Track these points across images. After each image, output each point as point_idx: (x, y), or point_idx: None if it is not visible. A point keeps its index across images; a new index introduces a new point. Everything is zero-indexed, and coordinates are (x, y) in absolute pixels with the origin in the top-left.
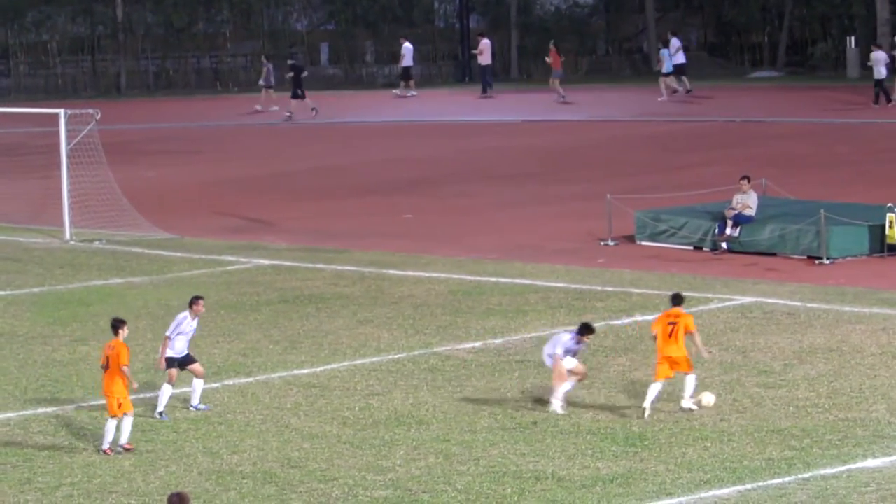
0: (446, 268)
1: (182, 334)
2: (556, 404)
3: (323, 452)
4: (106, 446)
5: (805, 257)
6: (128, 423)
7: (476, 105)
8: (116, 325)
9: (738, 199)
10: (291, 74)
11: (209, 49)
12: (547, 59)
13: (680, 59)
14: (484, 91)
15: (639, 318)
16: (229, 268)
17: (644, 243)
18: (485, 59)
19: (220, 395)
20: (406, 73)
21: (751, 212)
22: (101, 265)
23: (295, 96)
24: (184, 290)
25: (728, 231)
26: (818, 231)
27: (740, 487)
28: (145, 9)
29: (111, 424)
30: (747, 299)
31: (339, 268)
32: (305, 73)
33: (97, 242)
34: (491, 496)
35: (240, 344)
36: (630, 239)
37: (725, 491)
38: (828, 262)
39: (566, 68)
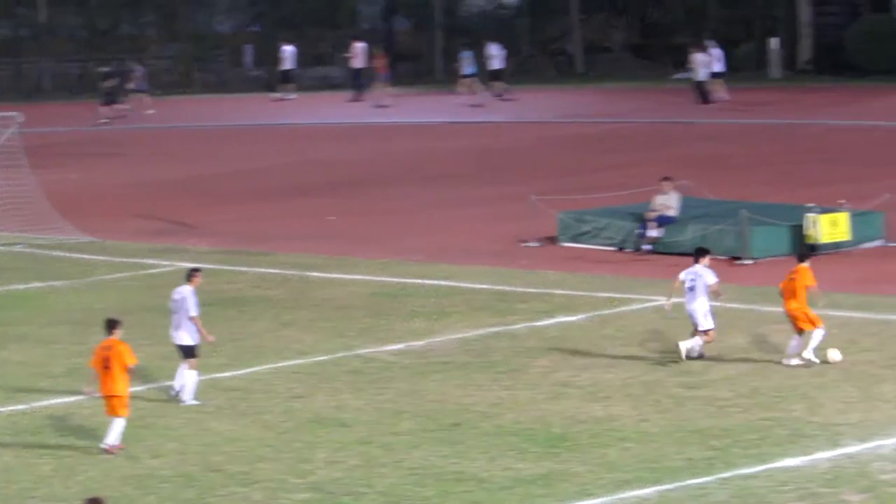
0: (369, 270)
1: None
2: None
3: (244, 455)
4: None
5: (727, 257)
6: (119, 424)
7: (404, 106)
8: (112, 324)
9: (659, 200)
10: (109, 82)
11: (133, 52)
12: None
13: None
14: (357, 94)
15: (562, 318)
16: (151, 271)
17: (567, 244)
18: (357, 62)
19: (142, 399)
20: (286, 76)
21: (673, 213)
22: (22, 269)
23: (109, 103)
24: (106, 293)
25: (650, 232)
26: (740, 231)
27: (661, 487)
28: (68, 11)
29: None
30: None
31: (262, 270)
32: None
33: (18, 246)
34: (412, 498)
35: (162, 347)
36: (553, 240)
37: (646, 491)
38: (749, 262)
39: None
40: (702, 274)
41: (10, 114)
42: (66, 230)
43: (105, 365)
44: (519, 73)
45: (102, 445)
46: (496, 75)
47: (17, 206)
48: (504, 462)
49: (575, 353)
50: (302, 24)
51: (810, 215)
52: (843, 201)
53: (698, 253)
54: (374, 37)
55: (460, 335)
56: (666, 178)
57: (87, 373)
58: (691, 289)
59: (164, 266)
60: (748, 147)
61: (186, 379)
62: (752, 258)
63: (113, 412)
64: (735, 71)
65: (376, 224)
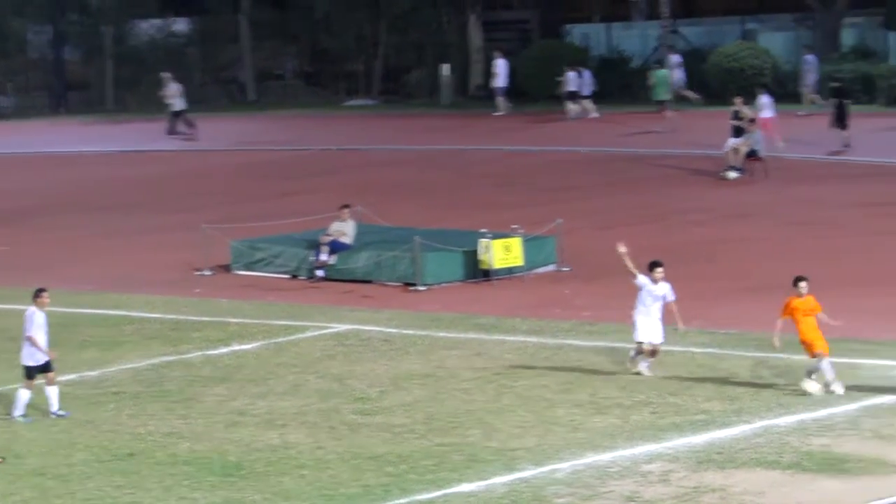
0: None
1: (38, 327)
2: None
3: None
4: None
5: (401, 284)
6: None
7: (76, 135)
8: None
9: (335, 227)
10: None
11: None
12: None
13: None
14: None
15: (236, 347)
16: None
17: (240, 272)
18: None
19: None
20: None
21: (347, 239)
22: None
23: None
24: None
25: (324, 258)
26: (413, 258)
27: None
28: None
29: None
30: (344, 327)
31: None
32: None
33: None
34: None
35: None
36: (227, 268)
37: None
38: (423, 288)
39: None
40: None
41: None
42: None
43: None
44: (192, 101)
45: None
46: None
47: None
48: (180, 492)
49: (250, 381)
50: None
51: (483, 241)
52: (515, 226)
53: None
54: (44, 66)
55: (133, 365)
56: (345, 206)
57: None
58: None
59: None
60: (422, 173)
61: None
62: (426, 284)
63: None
64: (408, 97)
65: (47, 253)
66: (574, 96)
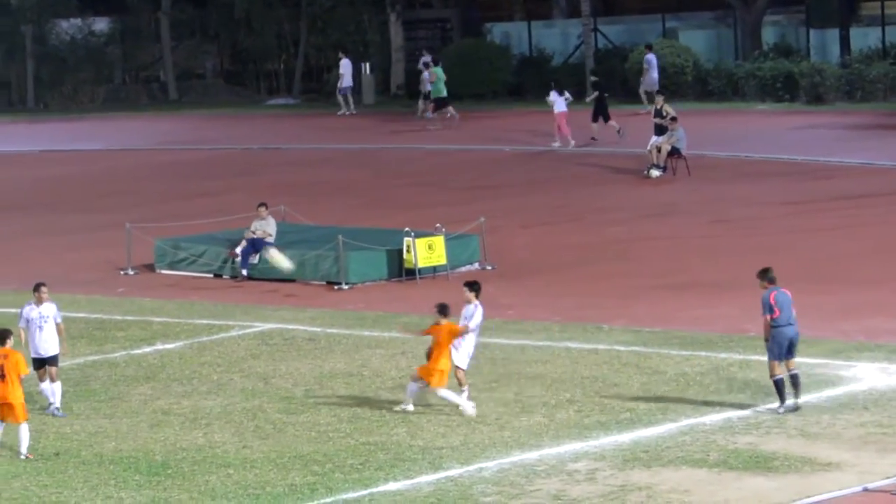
0: None
1: (33, 321)
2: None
3: None
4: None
5: (324, 283)
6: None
7: None
8: (4, 335)
9: (256, 226)
10: None
11: None
12: None
13: None
14: None
15: (160, 346)
16: None
17: (164, 272)
18: None
19: None
20: None
21: (270, 239)
22: None
23: None
24: None
25: (247, 258)
26: (337, 256)
27: None
28: None
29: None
30: (268, 326)
31: None
32: None
33: None
34: None
35: None
36: (150, 268)
37: None
38: (347, 287)
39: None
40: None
41: None
42: None
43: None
44: (111, 100)
45: (24, 455)
46: None
47: None
48: (106, 491)
49: (175, 380)
50: None
51: (407, 239)
52: (438, 225)
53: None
54: None
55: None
56: (262, 204)
57: None
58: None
59: None
60: (341, 172)
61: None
62: (350, 283)
63: (15, 419)
64: (328, 96)
65: None
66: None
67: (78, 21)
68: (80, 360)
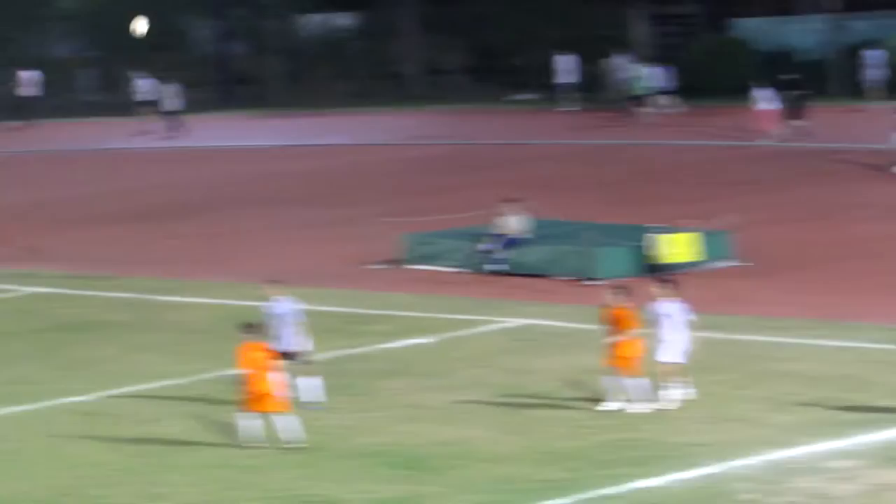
0: (215, 293)
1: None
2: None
3: (100, 479)
4: None
5: (574, 278)
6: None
7: (242, 130)
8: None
9: (505, 222)
10: None
11: None
12: None
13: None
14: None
15: (411, 341)
16: None
17: (413, 266)
18: (28, 91)
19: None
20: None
21: (518, 234)
22: None
23: None
24: None
25: (498, 253)
26: (585, 252)
27: None
28: None
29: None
30: (518, 321)
31: (110, 294)
32: None
33: None
34: None
35: (10, 372)
36: (398, 262)
37: None
38: (595, 282)
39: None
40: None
41: None
42: None
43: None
44: (354, 95)
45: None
46: None
47: None
48: (361, 485)
49: (426, 374)
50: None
51: (654, 235)
52: (691, 221)
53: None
54: (205, 61)
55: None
56: (511, 200)
57: None
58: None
59: (10, 291)
60: (589, 168)
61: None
62: (598, 279)
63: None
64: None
65: (217, 248)
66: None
67: (321, 16)
68: (333, 354)
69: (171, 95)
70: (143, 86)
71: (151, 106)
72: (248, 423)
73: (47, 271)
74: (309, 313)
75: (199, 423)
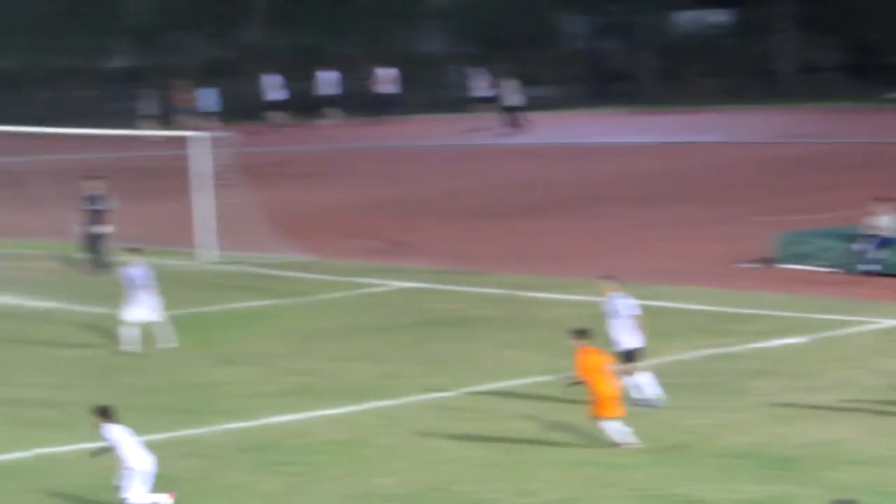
0: (586, 290)
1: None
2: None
3: (470, 475)
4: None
5: None
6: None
7: (615, 126)
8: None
9: (878, 221)
10: None
11: (344, 70)
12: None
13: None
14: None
15: (782, 340)
16: (369, 290)
17: (785, 266)
18: (385, 88)
19: (362, 419)
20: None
21: (893, 234)
22: (243, 287)
23: None
24: (325, 312)
25: (871, 254)
26: None
27: None
28: (276, 33)
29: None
30: (891, 322)
31: (479, 290)
32: None
33: (237, 265)
34: None
35: (380, 367)
36: (770, 261)
37: None
38: None
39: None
40: None
41: (224, 134)
42: (284, 249)
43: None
44: (728, 92)
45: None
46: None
47: (236, 225)
48: (728, 485)
49: (797, 375)
50: (511, 44)
51: None
52: None
53: None
54: (578, 57)
55: (678, 357)
56: (884, 199)
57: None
58: None
59: (382, 285)
60: None
61: (641, 380)
62: None
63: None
64: None
65: (589, 244)
66: None
67: (694, 13)
68: (701, 352)
69: (511, 91)
70: (326, 79)
71: (489, 102)
72: (612, 426)
73: (417, 266)
74: (676, 311)
75: (567, 420)
